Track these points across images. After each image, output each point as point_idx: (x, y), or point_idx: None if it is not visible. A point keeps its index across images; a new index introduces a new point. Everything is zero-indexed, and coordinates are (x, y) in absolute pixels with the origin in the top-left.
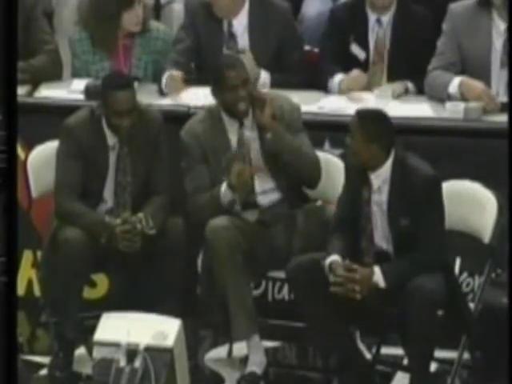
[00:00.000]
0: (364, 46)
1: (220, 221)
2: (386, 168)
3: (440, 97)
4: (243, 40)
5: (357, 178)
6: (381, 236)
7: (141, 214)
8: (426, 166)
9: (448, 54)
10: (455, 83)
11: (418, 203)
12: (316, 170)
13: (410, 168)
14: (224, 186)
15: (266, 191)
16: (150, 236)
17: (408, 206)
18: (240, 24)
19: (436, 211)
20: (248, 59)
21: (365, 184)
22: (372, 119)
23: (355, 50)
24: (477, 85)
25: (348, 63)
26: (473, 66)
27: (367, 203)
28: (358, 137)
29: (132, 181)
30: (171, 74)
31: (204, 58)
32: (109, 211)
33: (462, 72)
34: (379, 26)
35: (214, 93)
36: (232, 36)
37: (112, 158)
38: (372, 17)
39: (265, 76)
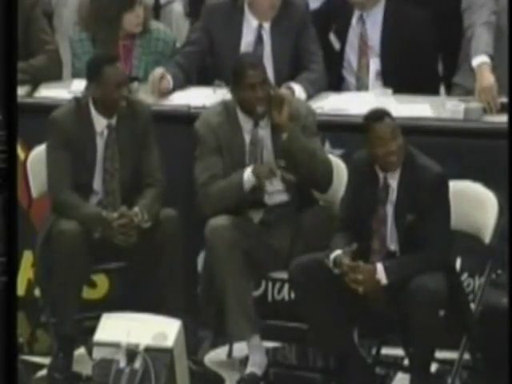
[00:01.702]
0: (343, 39)
1: (220, 220)
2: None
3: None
4: (267, 42)
5: (368, 179)
6: (389, 236)
7: (137, 209)
8: (435, 164)
9: (490, 4)
10: (475, 61)
11: (425, 201)
12: (328, 174)
13: (419, 166)
14: (248, 172)
15: (274, 192)
16: (145, 229)
17: (415, 203)
18: (267, 26)
19: (443, 210)
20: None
21: (379, 184)
22: (382, 118)
23: (332, 38)
24: (487, 78)
25: (323, 51)
26: None
27: (383, 204)
28: (384, 136)
29: (120, 168)
30: (153, 73)
31: (219, 59)
32: (100, 202)
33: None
34: (362, 23)
35: (232, 90)
36: (260, 38)
37: (100, 144)
38: (356, 12)
39: (298, 89)
